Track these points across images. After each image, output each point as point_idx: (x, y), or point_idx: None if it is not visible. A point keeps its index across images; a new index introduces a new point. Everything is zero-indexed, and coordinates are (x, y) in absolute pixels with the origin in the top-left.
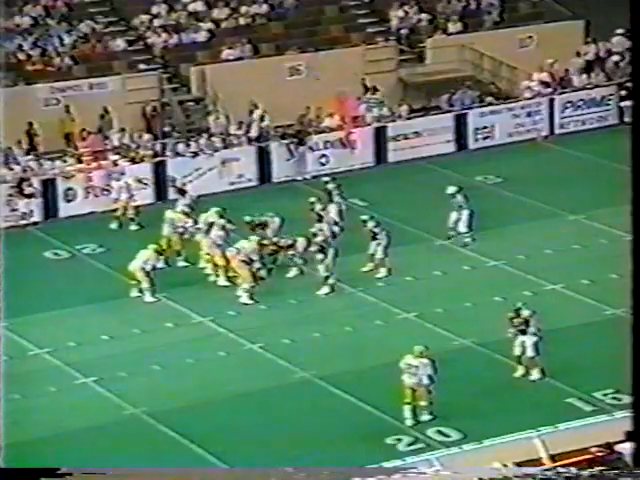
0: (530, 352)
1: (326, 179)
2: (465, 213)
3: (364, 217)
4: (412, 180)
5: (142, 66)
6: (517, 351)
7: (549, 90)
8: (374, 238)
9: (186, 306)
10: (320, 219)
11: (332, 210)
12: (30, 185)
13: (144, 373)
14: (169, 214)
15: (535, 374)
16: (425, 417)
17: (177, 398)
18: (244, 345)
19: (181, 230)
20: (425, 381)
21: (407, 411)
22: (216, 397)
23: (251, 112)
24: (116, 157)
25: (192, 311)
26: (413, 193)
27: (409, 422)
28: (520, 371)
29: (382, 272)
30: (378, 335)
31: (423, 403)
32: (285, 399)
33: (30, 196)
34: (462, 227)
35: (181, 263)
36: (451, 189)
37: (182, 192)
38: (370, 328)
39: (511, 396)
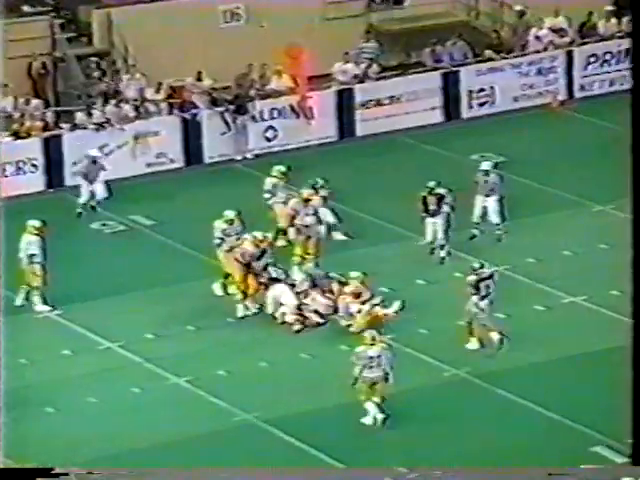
0: None
1: (432, 183)
2: (493, 198)
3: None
4: (387, 160)
5: (27, 9)
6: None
7: (566, 40)
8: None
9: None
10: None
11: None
12: None
13: None
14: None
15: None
16: (379, 416)
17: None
18: (168, 379)
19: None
20: (389, 370)
21: (370, 407)
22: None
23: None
24: None
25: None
26: (389, 177)
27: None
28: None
29: (396, 306)
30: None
31: (376, 399)
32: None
33: None
34: (493, 217)
35: None
36: (485, 165)
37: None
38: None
39: None
